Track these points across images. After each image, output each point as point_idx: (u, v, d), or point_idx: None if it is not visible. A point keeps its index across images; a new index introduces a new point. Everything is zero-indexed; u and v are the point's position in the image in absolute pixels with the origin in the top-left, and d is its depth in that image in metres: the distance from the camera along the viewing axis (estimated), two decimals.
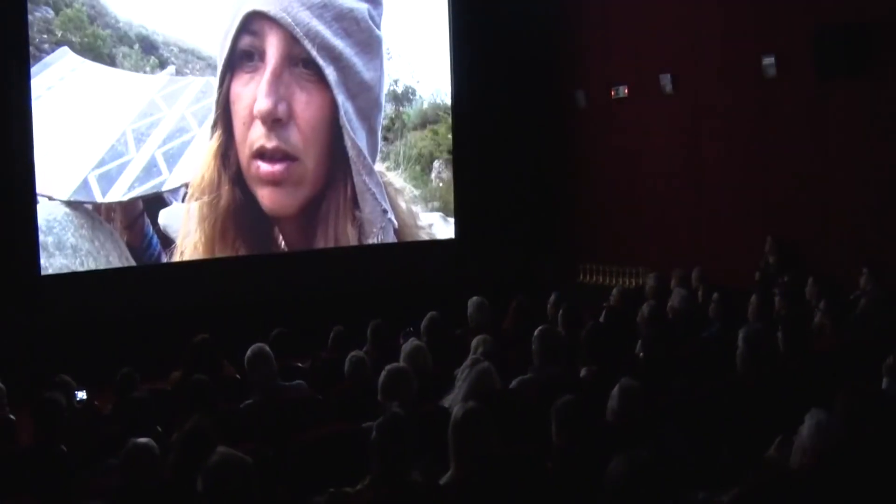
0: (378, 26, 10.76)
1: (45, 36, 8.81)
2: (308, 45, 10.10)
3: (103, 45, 9.14)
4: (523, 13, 11.45)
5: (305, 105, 10.13)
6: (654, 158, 10.26)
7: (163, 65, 9.49)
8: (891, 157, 7.84)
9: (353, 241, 10.61)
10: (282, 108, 9.89)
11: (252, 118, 9.82)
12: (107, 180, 9.06)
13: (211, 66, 9.73)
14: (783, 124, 8.77)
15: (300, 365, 6.63)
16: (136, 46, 9.34)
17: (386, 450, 3.50)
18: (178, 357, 6.14)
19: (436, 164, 11.44)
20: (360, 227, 10.64)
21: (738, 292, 6.92)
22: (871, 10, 7.88)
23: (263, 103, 9.82)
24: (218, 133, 9.73)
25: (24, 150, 8.63)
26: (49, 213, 8.75)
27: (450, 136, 11.44)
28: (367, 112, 10.72)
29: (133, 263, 9.25)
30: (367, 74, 10.67)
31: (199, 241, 9.62)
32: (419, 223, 11.28)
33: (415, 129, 11.29)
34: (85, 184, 8.95)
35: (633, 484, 2.93)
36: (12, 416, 5.40)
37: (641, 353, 5.74)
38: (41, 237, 8.71)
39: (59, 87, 8.89)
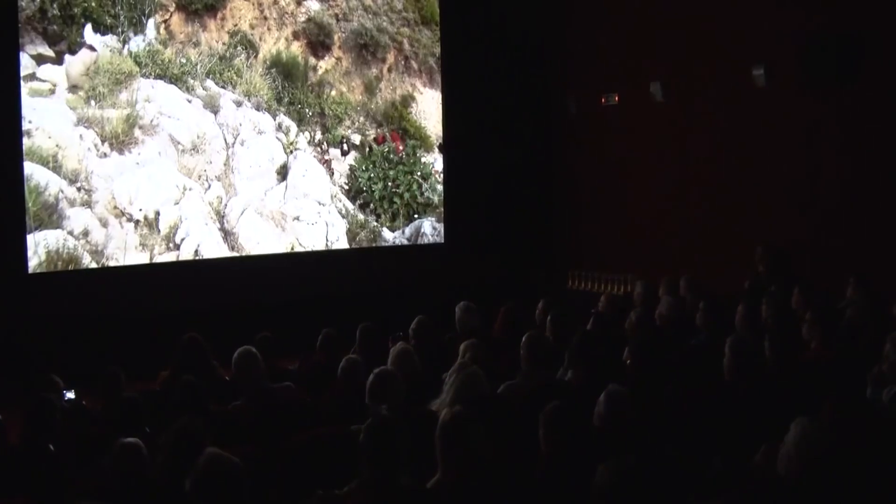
0: None
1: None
2: None
3: None
4: (514, 20, 11.47)
5: None
6: (643, 166, 10.29)
7: None
8: (880, 166, 7.90)
9: None
10: None
11: None
12: None
13: None
14: (773, 133, 8.81)
15: (289, 367, 6.64)
16: None
17: (374, 453, 3.51)
18: (168, 357, 6.14)
19: None
20: None
21: (726, 300, 6.94)
22: (862, 20, 7.93)
23: None
24: None
25: (11, 147, 8.61)
26: None
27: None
28: None
29: None
30: None
31: None
32: None
33: None
34: None
35: (620, 491, 2.95)
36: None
37: (629, 361, 5.76)
38: None
39: None
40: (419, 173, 11.25)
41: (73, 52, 8.94)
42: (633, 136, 10.39)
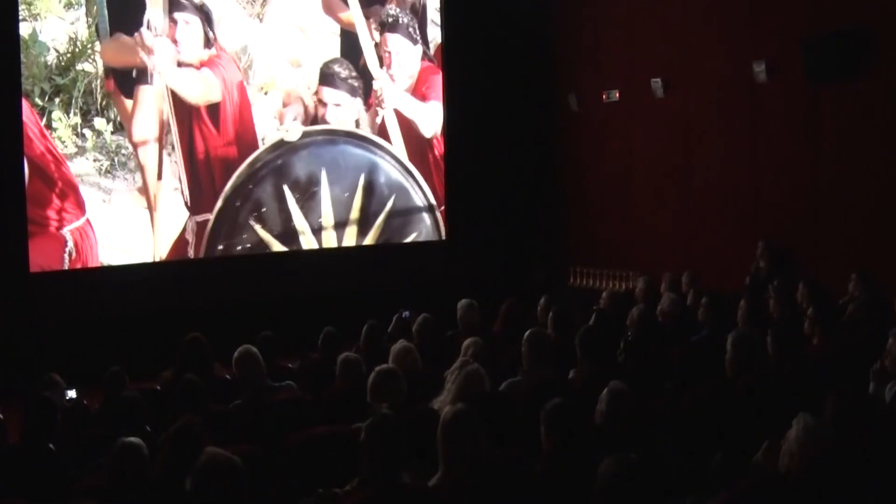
0: None
1: None
2: None
3: None
4: (516, 17, 11.45)
5: None
6: (645, 162, 10.28)
7: None
8: (881, 161, 7.88)
9: None
10: None
11: None
12: None
13: None
14: (774, 129, 8.80)
15: (290, 366, 6.63)
16: None
17: (375, 451, 3.50)
18: (169, 356, 6.13)
19: None
20: None
21: (728, 296, 6.93)
22: (862, 15, 7.91)
23: None
24: None
25: (12, 147, 8.61)
26: None
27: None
28: None
29: None
30: None
31: None
32: None
33: None
34: None
35: (622, 488, 2.94)
36: (0, 415, 5.38)
37: (621, 357, 5.75)
38: None
39: None
40: None
41: None
42: (635, 132, 10.39)
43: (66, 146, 9.00)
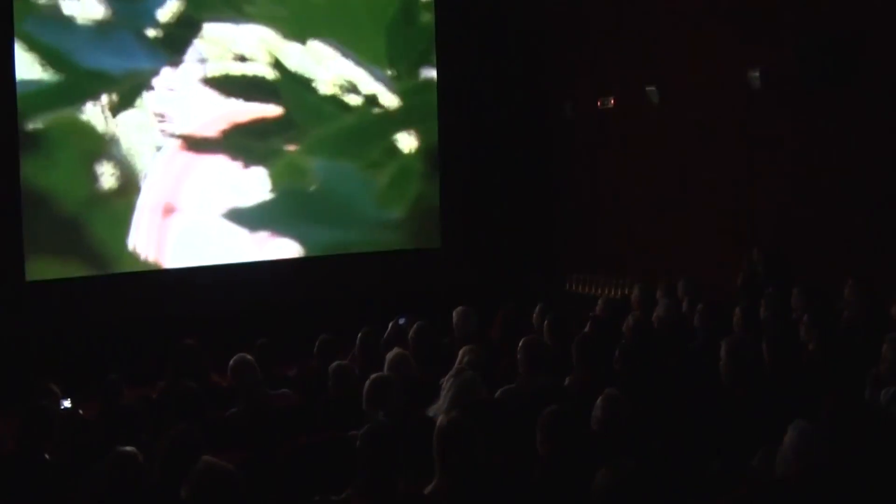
0: None
1: None
2: None
3: None
4: (510, 24, 11.48)
5: None
6: (640, 169, 10.29)
7: None
8: (877, 166, 7.89)
9: None
10: None
11: None
12: None
13: None
14: (769, 135, 8.81)
15: (288, 373, 6.62)
16: None
17: (371, 459, 3.50)
18: (165, 365, 6.13)
19: None
20: None
21: (723, 303, 6.94)
22: (856, 21, 7.93)
23: None
24: None
25: (9, 154, 8.61)
26: None
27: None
28: None
29: None
30: None
31: None
32: None
33: None
34: None
35: (619, 495, 2.94)
36: None
37: (617, 366, 5.76)
38: None
39: None
40: None
41: None
42: (630, 139, 10.39)
43: None
